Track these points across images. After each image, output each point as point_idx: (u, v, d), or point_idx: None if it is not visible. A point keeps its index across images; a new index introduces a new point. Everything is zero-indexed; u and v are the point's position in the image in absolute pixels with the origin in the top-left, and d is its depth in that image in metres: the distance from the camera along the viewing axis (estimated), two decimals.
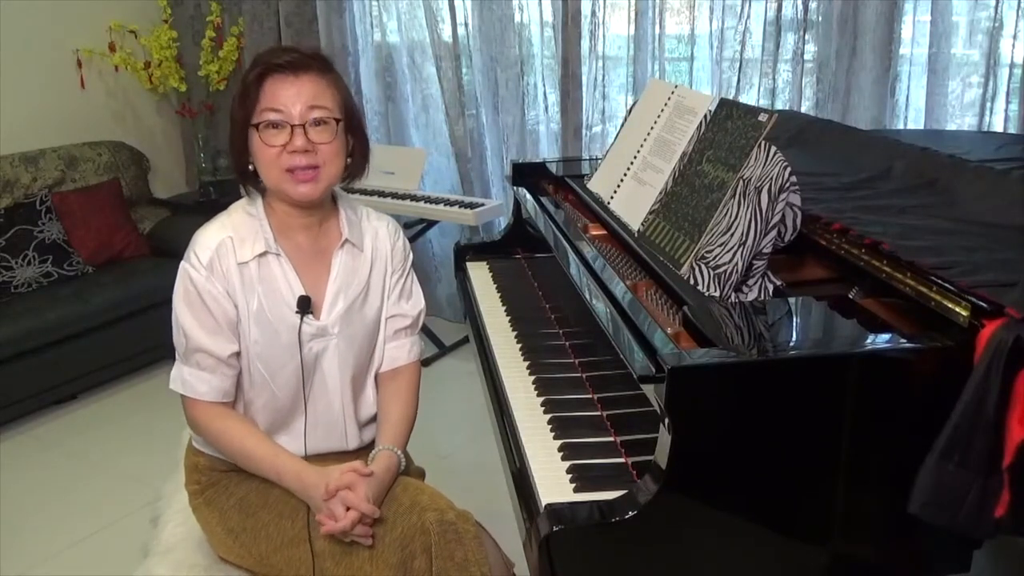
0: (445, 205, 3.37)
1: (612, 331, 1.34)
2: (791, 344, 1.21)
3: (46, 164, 3.58)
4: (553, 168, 2.22)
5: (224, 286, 1.45)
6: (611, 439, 1.40)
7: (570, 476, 1.29)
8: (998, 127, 2.65)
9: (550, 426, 1.45)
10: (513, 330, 1.86)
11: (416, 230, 3.62)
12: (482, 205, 3.35)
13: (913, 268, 1.23)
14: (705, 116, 1.61)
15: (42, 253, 3.36)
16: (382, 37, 3.84)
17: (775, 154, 1.37)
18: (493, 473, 1.61)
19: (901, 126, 2.82)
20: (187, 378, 1.47)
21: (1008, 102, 2.64)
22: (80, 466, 2.87)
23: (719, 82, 3.12)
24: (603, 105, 3.40)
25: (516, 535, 1.30)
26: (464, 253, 2.30)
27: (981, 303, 1.10)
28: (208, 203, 3.90)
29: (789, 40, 2.95)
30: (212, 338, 1.45)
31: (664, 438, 1.10)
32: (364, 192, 3.47)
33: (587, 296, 1.50)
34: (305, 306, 1.48)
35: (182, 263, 1.47)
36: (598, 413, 1.48)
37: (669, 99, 1.76)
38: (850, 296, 1.36)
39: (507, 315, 1.94)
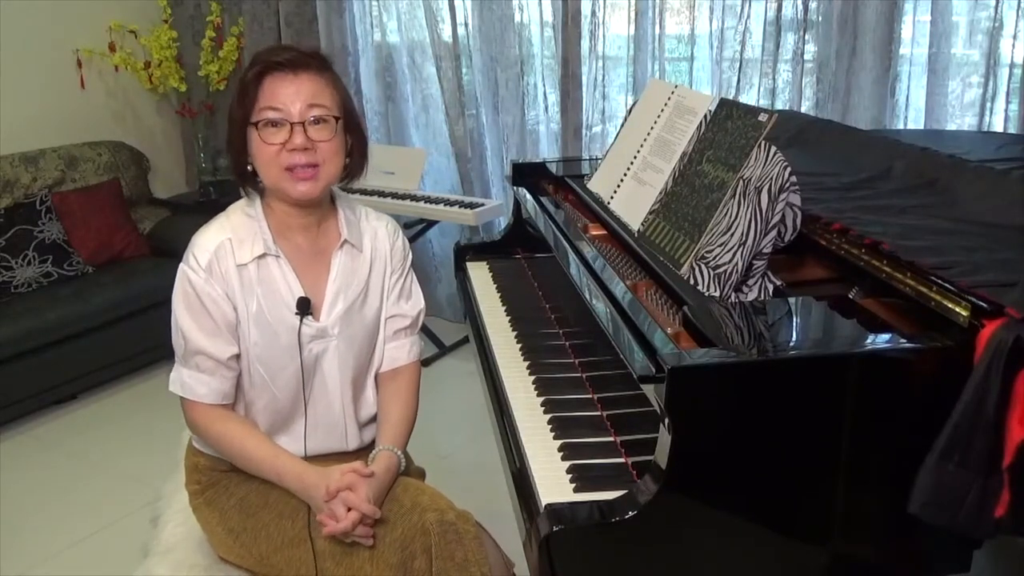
0: (445, 205, 3.37)
1: (612, 331, 1.34)
2: (791, 344, 1.21)
3: (46, 164, 3.58)
4: (553, 168, 2.22)
5: (223, 288, 1.45)
6: (611, 439, 1.40)
7: (570, 476, 1.29)
8: (998, 127, 2.65)
9: (550, 426, 1.45)
10: (513, 330, 1.86)
11: (416, 230, 3.62)
12: (482, 205, 3.35)
13: (913, 268, 1.23)
14: (705, 116, 1.61)
15: (42, 253, 3.36)
16: (382, 37, 3.84)
17: (775, 154, 1.37)
18: (493, 473, 1.61)
19: (901, 126, 2.82)
20: (186, 380, 1.47)
21: (1008, 102, 2.64)
22: (80, 466, 2.87)
23: (719, 82, 3.12)
24: (603, 105, 3.40)
25: (516, 535, 1.30)
26: (464, 253, 2.30)
27: (981, 303, 1.10)
28: (208, 203, 3.91)
29: (789, 40, 2.95)
30: (211, 340, 1.45)
31: (664, 438, 1.10)
32: (364, 192, 3.47)
33: (587, 296, 1.50)
34: (304, 308, 1.48)
35: (181, 265, 1.47)
36: (598, 413, 1.48)
37: (669, 99, 1.76)
38: (850, 296, 1.36)
39: (507, 315, 1.94)
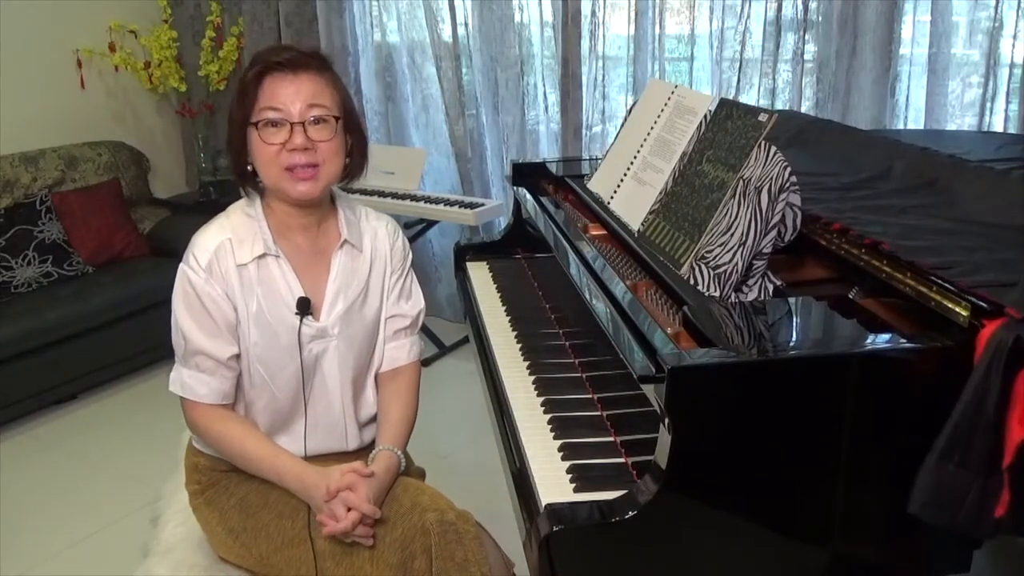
0: (445, 205, 3.37)
1: (612, 331, 1.34)
2: (791, 344, 1.21)
3: (46, 164, 3.58)
4: (553, 168, 2.22)
5: (223, 288, 1.45)
6: (611, 439, 1.40)
7: (570, 476, 1.29)
8: (998, 127, 2.65)
9: (550, 426, 1.45)
10: (513, 330, 1.86)
11: (416, 230, 3.62)
12: (482, 205, 3.35)
13: (913, 268, 1.23)
14: (705, 116, 1.61)
15: (42, 253, 3.36)
16: (382, 37, 3.84)
17: (775, 154, 1.37)
18: (493, 473, 1.61)
19: (901, 126, 2.82)
20: (186, 380, 1.47)
21: (1008, 102, 2.64)
22: (80, 466, 2.87)
23: (719, 82, 3.12)
24: (603, 105, 3.40)
25: (516, 535, 1.30)
26: (464, 253, 2.30)
27: (981, 303, 1.10)
28: (208, 203, 3.91)
29: (789, 40, 2.95)
30: (211, 340, 1.45)
31: (664, 438, 1.10)
32: (364, 192, 3.47)
33: (587, 296, 1.50)
34: (304, 308, 1.48)
35: (181, 265, 1.47)
36: (598, 413, 1.48)
37: (669, 99, 1.76)
38: (850, 296, 1.36)
39: (507, 315, 1.94)
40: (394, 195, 3.51)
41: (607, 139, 3.31)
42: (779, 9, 2.92)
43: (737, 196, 1.40)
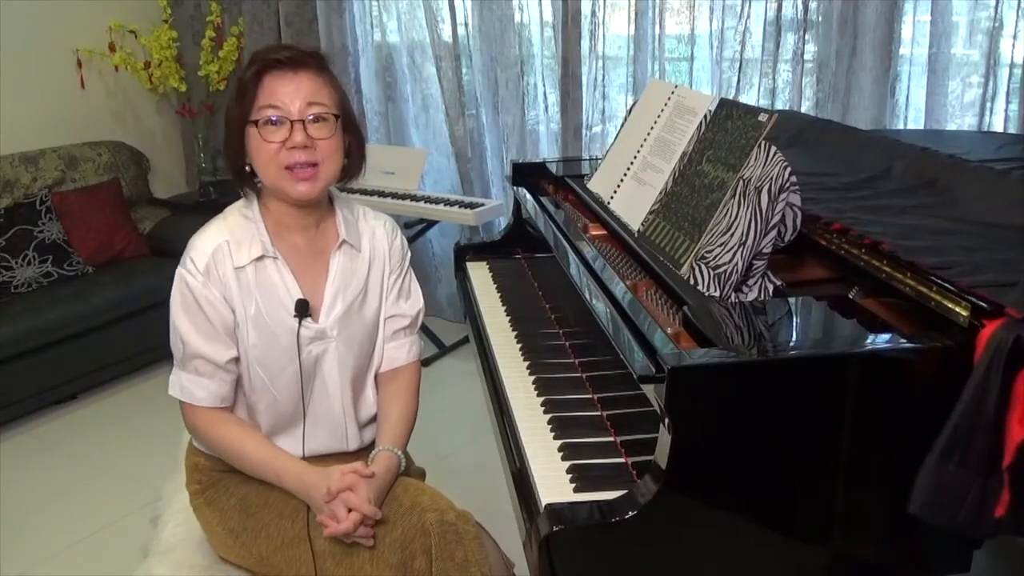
0: (445, 205, 3.37)
1: (612, 331, 1.33)
2: (791, 344, 1.21)
3: (46, 164, 3.58)
4: (553, 168, 2.22)
5: (221, 291, 1.44)
6: (611, 439, 1.40)
7: (570, 476, 1.29)
8: (998, 127, 2.65)
9: (550, 426, 1.44)
10: (513, 330, 1.86)
11: (416, 230, 3.62)
12: (482, 205, 3.35)
13: (913, 268, 1.22)
14: (705, 116, 1.61)
15: (42, 253, 3.36)
16: (382, 37, 3.84)
17: (775, 154, 1.37)
18: (493, 473, 1.61)
19: (901, 126, 2.82)
20: (185, 384, 1.47)
21: (1008, 102, 2.64)
22: (80, 466, 2.87)
23: (719, 82, 3.12)
24: (603, 105, 3.40)
25: (516, 535, 1.29)
26: (464, 253, 2.30)
27: (981, 303, 1.09)
28: (208, 203, 3.90)
29: (789, 40, 2.95)
30: (210, 344, 1.44)
31: (664, 438, 1.10)
32: (364, 192, 3.47)
33: (587, 296, 1.50)
34: (303, 310, 1.47)
35: (178, 269, 1.46)
36: (598, 413, 1.48)
37: (669, 99, 1.76)
38: (850, 296, 1.36)
39: (507, 315, 1.94)
40: (394, 195, 3.51)
41: (607, 139, 3.31)
42: (779, 9, 2.92)
43: (737, 196, 1.40)
